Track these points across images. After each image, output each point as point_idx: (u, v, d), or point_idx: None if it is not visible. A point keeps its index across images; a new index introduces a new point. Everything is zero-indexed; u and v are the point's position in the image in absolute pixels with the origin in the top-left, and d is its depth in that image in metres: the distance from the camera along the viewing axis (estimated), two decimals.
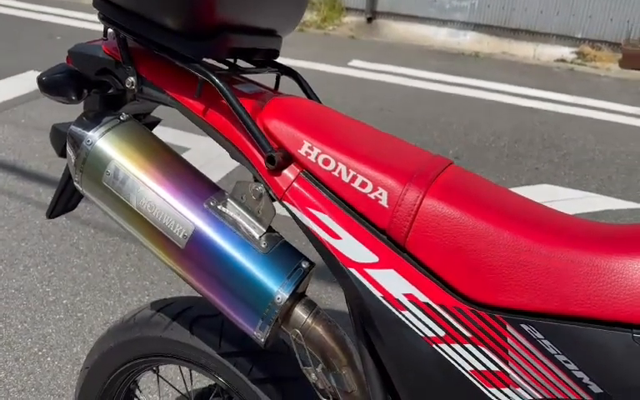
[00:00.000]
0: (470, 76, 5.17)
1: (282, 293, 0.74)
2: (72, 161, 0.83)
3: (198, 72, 0.76)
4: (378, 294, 0.69)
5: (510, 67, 5.69)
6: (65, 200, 1.04)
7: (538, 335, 0.65)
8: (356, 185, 0.71)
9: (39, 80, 0.83)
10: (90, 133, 0.81)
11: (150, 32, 0.79)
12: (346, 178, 0.72)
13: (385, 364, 0.73)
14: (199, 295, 0.94)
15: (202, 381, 1.39)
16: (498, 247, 0.67)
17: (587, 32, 6.23)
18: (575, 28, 6.29)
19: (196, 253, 0.77)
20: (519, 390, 0.67)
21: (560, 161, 3.38)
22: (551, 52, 6.27)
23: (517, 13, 6.55)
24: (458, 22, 6.84)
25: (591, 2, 6.10)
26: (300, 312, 0.77)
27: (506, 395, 0.68)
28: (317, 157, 0.74)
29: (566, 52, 6.27)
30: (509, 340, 0.66)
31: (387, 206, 0.70)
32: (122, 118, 0.84)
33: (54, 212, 1.04)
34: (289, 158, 0.75)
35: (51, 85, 0.83)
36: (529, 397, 0.67)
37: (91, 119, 0.84)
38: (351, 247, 0.71)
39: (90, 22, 6.04)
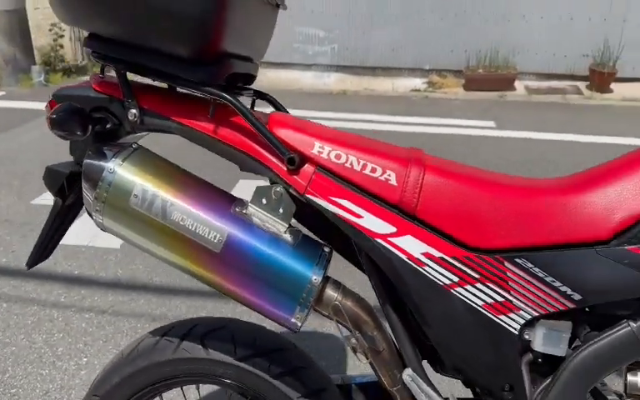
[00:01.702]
0: (344, 111, 5.56)
1: (316, 276, 0.83)
2: (91, 195, 0.85)
3: (212, 94, 0.84)
4: (403, 256, 0.82)
5: (375, 100, 6.21)
6: (42, 249, 1.03)
7: (529, 264, 0.82)
8: (367, 171, 0.84)
9: (49, 118, 0.84)
10: (109, 164, 0.84)
11: (156, 62, 0.85)
12: (357, 167, 0.84)
13: (414, 314, 0.85)
14: (196, 316, 0.98)
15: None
16: (490, 203, 0.83)
17: (434, 63, 7.02)
18: (423, 61, 7.05)
19: (232, 255, 0.83)
20: (521, 312, 0.83)
21: None
22: (406, 84, 6.95)
23: (373, 53, 7.18)
24: (322, 66, 7.31)
25: (433, 38, 6.90)
26: (330, 292, 0.87)
27: (512, 319, 0.83)
28: (328, 154, 0.85)
29: (418, 82, 6.99)
30: (508, 273, 0.82)
31: (396, 184, 0.83)
32: (134, 146, 0.88)
33: (33, 262, 1.02)
34: (303, 159, 0.85)
35: (58, 122, 0.85)
36: (529, 317, 0.83)
37: (102, 152, 0.87)
38: (372, 223, 0.82)
39: None
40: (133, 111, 0.88)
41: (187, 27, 0.79)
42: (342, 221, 0.83)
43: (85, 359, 1.92)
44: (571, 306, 0.82)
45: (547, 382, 0.86)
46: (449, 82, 6.83)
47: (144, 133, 1.01)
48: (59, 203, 0.96)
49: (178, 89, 0.95)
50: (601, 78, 6.24)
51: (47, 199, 3.15)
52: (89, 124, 0.88)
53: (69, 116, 0.86)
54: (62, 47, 7.16)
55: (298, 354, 1.04)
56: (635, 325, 0.81)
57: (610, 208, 0.80)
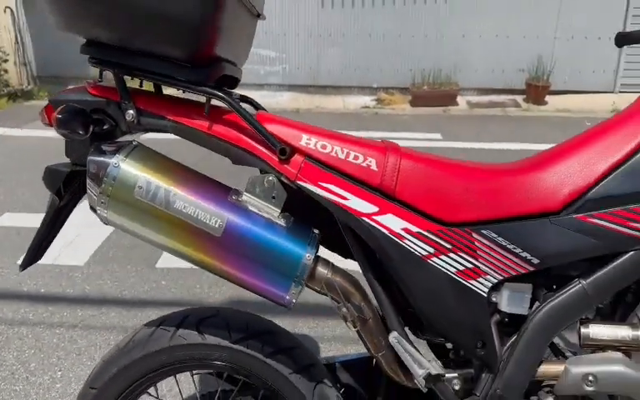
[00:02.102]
0: None
1: (309, 254, 0.91)
2: (96, 190, 0.90)
3: (209, 93, 0.91)
4: (386, 232, 0.91)
5: (327, 117, 6.36)
6: (37, 249, 1.06)
7: (494, 234, 0.93)
8: (351, 159, 0.93)
9: (56, 118, 0.89)
10: (113, 159, 0.90)
11: (154, 65, 0.92)
12: (342, 155, 0.93)
13: (398, 283, 0.95)
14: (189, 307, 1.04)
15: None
16: (459, 183, 0.94)
17: (381, 82, 7.26)
18: (371, 80, 7.28)
19: (232, 238, 0.90)
20: (488, 277, 0.94)
21: None
22: (356, 102, 7.14)
23: (323, 73, 7.36)
24: (274, 85, 7.42)
25: (380, 57, 7.14)
26: (321, 269, 0.95)
27: (481, 283, 0.94)
28: (315, 145, 0.94)
29: (367, 100, 7.20)
30: (476, 243, 0.93)
31: (376, 169, 0.93)
32: (134, 143, 0.94)
33: (28, 263, 1.06)
34: (292, 150, 0.93)
35: (64, 121, 0.90)
36: (495, 281, 0.94)
37: (104, 150, 0.92)
38: (358, 204, 0.92)
39: None
40: (131, 111, 0.94)
41: (186, 31, 0.86)
42: (331, 203, 0.92)
43: (59, 372, 1.91)
44: (530, 269, 0.94)
45: (513, 339, 0.97)
46: (397, 99, 7.08)
47: (139, 133, 1.07)
48: (56, 202, 1.00)
49: (164, 91, 1.02)
50: (536, 92, 6.64)
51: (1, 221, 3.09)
52: (90, 124, 0.94)
53: (73, 116, 0.91)
54: (6, 71, 6.97)
55: (288, 336, 1.11)
56: (585, 282, 0.93)
57: (560, 184, 0.93)
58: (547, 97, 6.71)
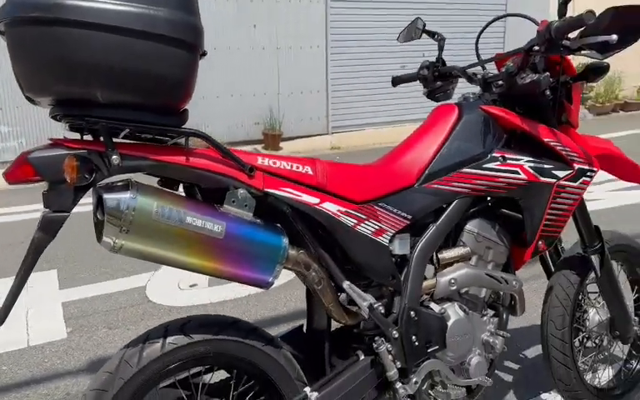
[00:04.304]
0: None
1: (286, 240, 1.21)
2: (115, 223, 1.02)
3: (190, 133, 1.14)
4: (329, 213, 1.28)
5: None
6: (14, 296, 1.08)
7: (384, 205, 1.39)
8: (294, 169, 1.28)
9: (75, 166, 0.99)
10: (129, 194, 1.04)
11: (142, 116, 1.10)
12: (288, 167, 1.27)
13: (340, 246, 1.31)
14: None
15: None
16: (360, 177, 1.37)
17: None
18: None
19: (231, 238, 1.13)
20: (387, 233, 1.39)
21: None
22: None
23: None
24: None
25: None
26: (291, 250, 1.25)
27: (384, 238, 1.39)
28: (268, 163, 1.25)
29: None
30: (377, 212, 1.38)
31: (312, 173, 1.29)
32: (133, 180, 1.09)
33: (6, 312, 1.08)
34: (255, 169, 1.22)
35: (81, 169, 1.01)
36: (391, 234, 1.40)
37: (115, 188, 1.06)
38: (307, 198, 1.26)
39: None
40: (115, 157, 1.09)
41: (176, 86, 1.09)
42: (290, 199, 1.24)
43: None
44: (407, 223, 1.42)
45: (406, 270, 1.44)
46: None
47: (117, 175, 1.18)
48: (43, 244, 1.06)
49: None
50: (272, 140, 7.60)
51: None
52: (94, 172, 1.06)
53: (85, 164, 1.03)
54: None
55: (248, 323, 1.36)
56: (436, 225, 1.46)
57: (411, 166, 1.45)
58: (282, 144, 7.73)
